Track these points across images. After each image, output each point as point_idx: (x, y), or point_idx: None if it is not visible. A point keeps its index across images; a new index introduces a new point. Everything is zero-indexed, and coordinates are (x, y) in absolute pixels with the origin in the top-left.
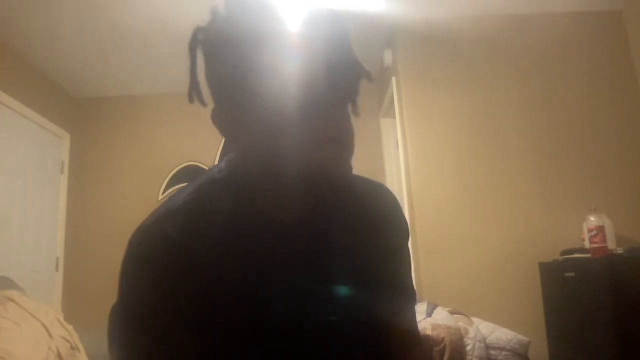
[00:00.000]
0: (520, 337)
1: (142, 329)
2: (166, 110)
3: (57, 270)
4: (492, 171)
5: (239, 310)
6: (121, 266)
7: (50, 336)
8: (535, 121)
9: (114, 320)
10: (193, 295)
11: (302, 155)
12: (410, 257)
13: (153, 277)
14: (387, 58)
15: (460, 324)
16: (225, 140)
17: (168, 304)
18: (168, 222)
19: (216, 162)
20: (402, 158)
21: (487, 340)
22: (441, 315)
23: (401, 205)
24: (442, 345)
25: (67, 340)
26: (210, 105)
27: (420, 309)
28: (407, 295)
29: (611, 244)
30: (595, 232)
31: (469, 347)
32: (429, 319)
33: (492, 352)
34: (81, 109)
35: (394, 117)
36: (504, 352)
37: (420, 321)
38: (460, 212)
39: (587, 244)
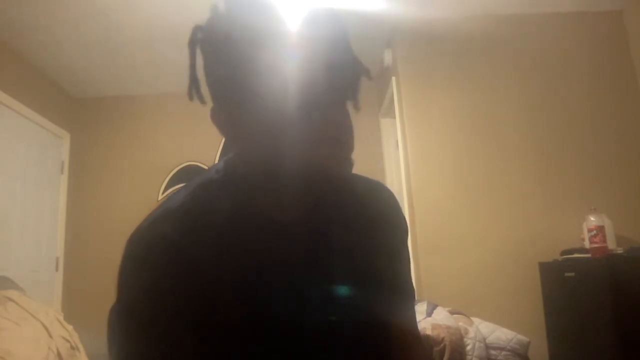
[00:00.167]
0: (520, 337)
1: (141, 329)
2: (166, 110)
3: (57, 270)
4: (492, 171)
5: (238, 310)
6: (119, 267)
7: (50, 336)
8: (535, 121)
9: (113, 321)
10: (192, 295)
11: (302, 155)
12: (409, 255)
13: (151, 278)
14: (387, 58)
15: (460, 324)
16: (225, 140)
17: (167, 304)
18: (166, 223)
19: (216, 162)
20: (402, 158)
21: (487, 340)
22: (441, 315)
23: (400, 204)
24: (442, 345)
25: (67, 340)
26: (210, 104)
27: (420, 309)
28: (407, 294)
29: (611, 244)
30: (595, 232)
31: (469, 347)
32: (429, 319)
33: (492, 352)
34: (81, 109)
35: (394, 117)
36: (504, 352)
37: (420, 321)
38: (460, 212)
39: (587, 244)
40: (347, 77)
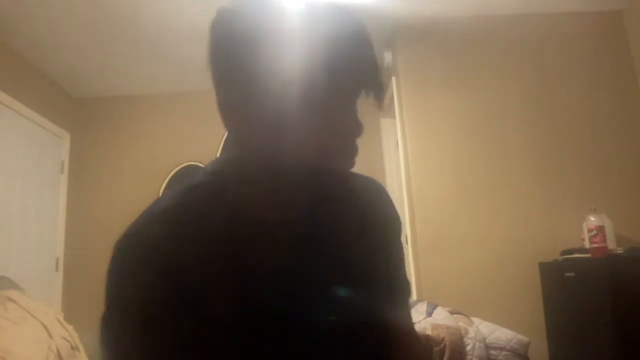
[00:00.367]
0: (520, 337)
1: (130, 337)
2: (166, 110)
3: (57, 270)
4: (492, 171)
5: (230, 313)
6: (107, 274)
7: (50, 336)
8: (536, 121)
9: (103, 329)
10: (181, 300)
11: (302, 153)
12: (403, 250)
13: (139, 284)
14: (387, 58)
15: (460, 324)
16: (225, 137)
17: (156, 310)
18: (152, 227)
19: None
20: (402, 158)
21: (487, 340)
22: (441, 315)
23: (392, 199)
24: (442, 345)
25: (67, 340)
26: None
27: (420, 309)
28: (403, 290)
29: (611, 244)
30: (595, 232)
31: (469, 347)
32: (429, 319)
33: (492, 352)
34: (81, 109)
35: (394, 117)
36: (504, 352)
37: (420, 321)
38: (460, 212)
39: (587, 244)
40: (353, 74)
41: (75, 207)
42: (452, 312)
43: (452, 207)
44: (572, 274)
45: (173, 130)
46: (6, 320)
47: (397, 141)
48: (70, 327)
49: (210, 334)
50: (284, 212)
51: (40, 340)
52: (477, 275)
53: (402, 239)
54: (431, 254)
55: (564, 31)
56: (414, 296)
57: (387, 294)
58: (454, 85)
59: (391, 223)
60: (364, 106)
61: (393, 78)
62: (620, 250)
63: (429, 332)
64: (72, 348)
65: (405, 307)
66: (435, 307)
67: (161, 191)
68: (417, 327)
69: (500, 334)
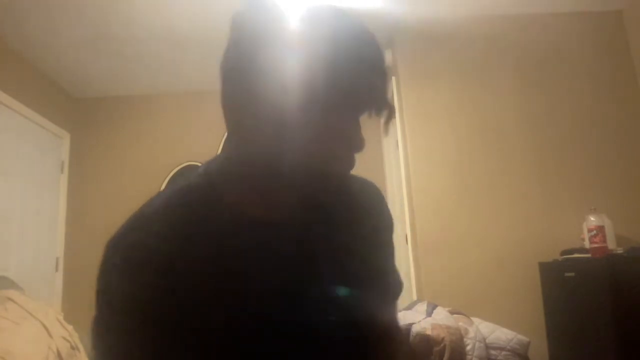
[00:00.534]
0: (520, 337)
1: (122, 340)
2: (166, 110)
3: (57, 270)
4: (492, 171)
5: (223, 314)
6: (98, 275)
7: (50, 336)
8: (535, 121)
9: (94, 333)
10: (172, 302)
11: (301, 154)
12: (394, 250)
13: (130, 287)
14: (387, 58)
15: (460, 324)
16: (225, 137)
17: (146, 312)
18: (142, 229)
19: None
20: (402, 158)
21: (487, 340)
22: (441, 315)
23: (387, 200)
24: (442, 345)
25: (67, 340)
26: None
27: (420, 309)
28: (396, 288)
29: (611, 244)
30: (595, 232)
31: (469, 347)
32: (429, 319)
33: (492, 352)
34: (81, 109)
35: (394, 117)
36: (504, 352)
37: (420, 321)
38: (460, 212)
39: (587, 244)
40: (353, 77)
41: (75, 207)
42: (452, 312)
43: (452, 207)
44: (572, 274)
45: (173, 130)
46: (6, 320)
47: (397, 141)
48: (70, 327)
49: (206, 336)
50: (278, 213)
51: (40, 340)
52: (477, 275)
53: (395, 239)
54: (431, 254)
55: (564, 31)
56: (413, 296)
57: (381, 293)
58: (454, 85)
59: (385, 224)
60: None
61: (393, 78)
62: (620, 250)
63: (429, 332)
64: (72, 348)
65: (393, 306)
66: (435, 307)
67: None
68: (417, 327)
69: (500, 334)
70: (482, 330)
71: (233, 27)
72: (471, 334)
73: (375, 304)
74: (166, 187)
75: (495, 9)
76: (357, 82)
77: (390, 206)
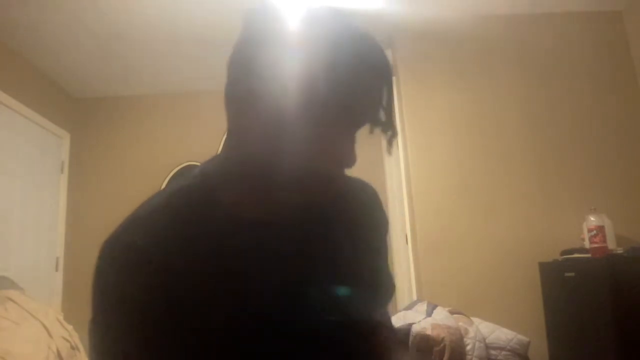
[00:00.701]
0: (520, 337)
1: (120, 341)
2: (166, 110)
3: (57, 270)
4: (492, 171)
5: (220, 314)
6: (93, 277)
7: (50, 336)
8: (535, 121)
9: (92, 334)
10: (168, 303)
11: (298, 155)
12: (387, 250)
13: (126, 287)
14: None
15: (460, 324)
16: (227, 133)
17: (143, 312)
18: (136, 231)
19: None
20: (402, 158)
21: (487, 340)
22: (441, 315)
23: (383, 201)
24: (442, 345)
25: (67, 340)
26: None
27: (420, 309)
28: (388, 287)
29: (611, 244)
30: (595, 232)
31: (469, 347)
32: (429, 319)
33: (492, 352)
34: (81, 109)
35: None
36: (504, 352)
37: (420, 321)
38: (460, 212)
39: (587, 244)
40: (353, 81)
41: (75, 207)
42: (452, 312)
43: (452, 207)
44: (572, 274)
45: (173, 130)
46: (6, 320)
47: (397, 141)
48: (70, 327)
49: (205, 336)
50: (276, 213)
51: (40, 340)
52: (477, 275)
53: (394, 239)
54: (431, 254)
55: (564, 31)
56: (413, 296)
57: (376, 293)
58: (453, 85)
59: (380, 225)
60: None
61: (393, 78)
62: (620, 250)
63: (429, 332)
64: (72, 348)
65: (386, 307)
66: (435, 307)
67: None
68: (417, 327)
69: (500, 334)
70: (482, 330)
71: (244, 24)
72: (471, 334)
73: (371, 304)
74: (163, 187)
75: (495, 9)
76: (359, 87)
77: (390, 206)
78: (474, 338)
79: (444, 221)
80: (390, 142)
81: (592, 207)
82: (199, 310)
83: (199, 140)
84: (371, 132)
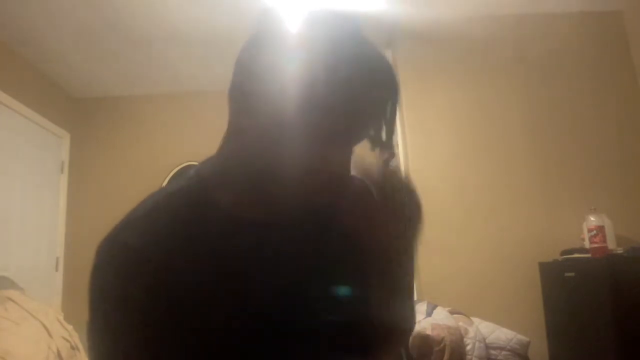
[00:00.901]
0: (520, 337)
1: (118, 344)
2: (166, 110)
3: (57, 270)
4: (492, 171)
5: (217, 315)
6: (90, 278)
7: (50, 336)
8: (535, 121)
9: (90, 337)
10: (168, 303)
11: (300, 155)
12: (398, 247)
13: (124, 289)
14: (387, 57)
15: (460, 324)
16: (225, 133)
17: (141, 314)
18: (135, 231)
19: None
20: (402, 158)
21: (487, 340)
22: (441, 315)
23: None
24: (442, 345)
25: (67, 340)
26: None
27: (420, 309)
28: (396, 290)
29: (611, 244)
30: (595, 232)
31: (469, 347)
32: (429, 319)
33: (492, 352)
34: (81, 109)
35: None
36: (504, 352)
37: (420, 321)
38: (460, 212)
39: (587, 244)
40: (353, 83)
41: (75, 207)
42: (452, 312)
43: (451, 207)
44: (572, 274)
45: (173, 130)
46: (6, 320)
47: (396, 141)
48: (70, 327)
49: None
50: (274, 214)
51: (40, 340)
52: (477, 275)
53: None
54: (431, 254)
55: (564, 31)
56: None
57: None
58: (454, 86)
59: (383, 225)
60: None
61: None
62: (620, 250)
63: (429, 332)
64: (72, 348)
65: (401, 307)
66: (435, 307)
67: None
68: (417, 327)
69: (500, 334)
70: (482, 330)
71: (256, 23)
72: (471, 334)
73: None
74: (161, 187)
75: (495, 9)
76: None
77: None
78: (474, 338)
79: (443, 221)
80: (386, 164)
81: (592, 207)
82: (199, 310)
83: (199, 140)
84: (372, 149)
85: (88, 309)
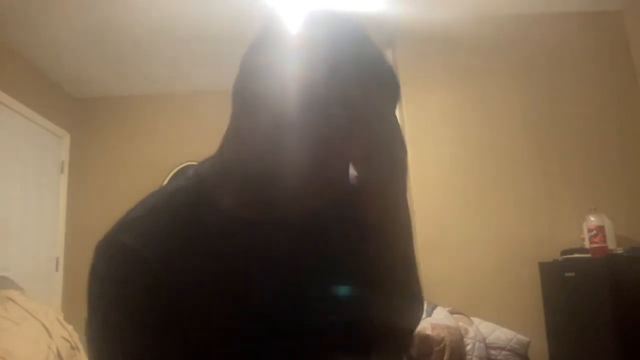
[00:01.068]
0: (520, 337)
1: (118, 344)
2: (166, 110)
3: (57, 270)
4: (492, 171)
5: (218, 314)
6: (88, 279)
7: (50, 336)
8: (535, 121)
9: (89, 338)
10: (168, 303)
11: (300, 156)
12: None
13: (123, 289)
14: (388, 58)
15: (460, 324)
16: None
17: (141, 314)
18: (134, 231)
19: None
20: None
21: (487, 340)
22: (441, 315)
23: None
24: (442, 345)
25: (67, 340)
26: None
27: None
28: (402, 293)
29: (611, 244)
30: (595, 232)
31: (469, 347)
32: (429, 319)
33: (492, 352)
34: (81, 109)
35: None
36: (504, 352)
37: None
38: (460, 212)
39: (587, 244)
40: (353, 82)
41: (75, 207)
42: (452, 312)
43: (452, 207)
44: (572, 274)
45: (173, 130)
46: (6, 320)
47: None
48: (70, 327)
49: (205, 338)
50: (273, 214)
51: (40, 340)
52: (477, 275)
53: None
54: (431, 254)
55: (564, 31)
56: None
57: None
58: (454, 86)
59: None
60: None
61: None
62: (620, 250)
63: (429, 332)
64: (72, 348)
65: (408, 310)
66: (435, 307)
67: None
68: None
69: (500, 334)
70: (482, 330)
71: (263, 26)
72: (471, 334)
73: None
74: (159, 187)
75: (495, 9)
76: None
77: None
78: (474, 338)
79: (444, 221)
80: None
81: (592, 207)
82: (199, 310)
83: (199, 140)
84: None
85: (87, 309)
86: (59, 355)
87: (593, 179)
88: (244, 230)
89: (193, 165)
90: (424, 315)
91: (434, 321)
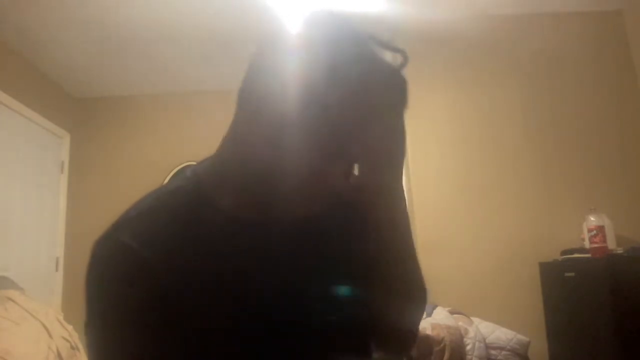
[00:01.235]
0: (520, 337)
1: (118, 344)
2: (166, 110)
3: (57, 270)
4: (492, 171)
5: (218, 314)
6: (86, 279)
7: (50, 336)
8: (536, 121)
9: (89, 338)
10: (168, 303)
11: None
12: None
13: (123, 289)
14: (387, 58)
15: (460, 324)
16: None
17: (141, 314)
18: (133, 231)
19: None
20: None
21: (487, 340)
22: (441, 315)
23: None
24: (442, 345)
25: (67, 340)
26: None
27: None
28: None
29: (611, 244)
30: (595, 232)
31: (469, 347)
32: (429, 319)
33: (492, 352)
34: (81, 109)
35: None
36: (504, 352)
37: None
38: (460, 212)
39: (587, 244)
40: (353, 83)
41: (75, 207)
42: (452, 312)
43: (452, 207)
44: (572, 274)
45: (173, 130)
46: (6, 320)
47: None
48: (70, 327)
49: (205, 338)
50: (271, 215)
51: (40, 340)
52: (477, 275)
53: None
54: (431, 254)
55: (565, 31)
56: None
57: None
58: (454, 85)
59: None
60: None
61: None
62: (620, 250)
63: (429, 332)
64: (72, 348)
65: (411, 311)
66: (435, 307)
67: None
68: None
69: (500, 334)
70: (482, 330)
71: (269, 29)
72: (471, 334)
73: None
74: (158, 186)
75: (495, 9)
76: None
77: None
78: (474, 338)
79: (444, 221)
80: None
81: (592, 207)
82: (198, 310)
83: (199, 140)
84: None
85: (85, 308)
86: (59, 355)
87: (593, 179)
88: (243, 231)
89: (192, 165)
90: (424, 316)
91: (434, 321)
